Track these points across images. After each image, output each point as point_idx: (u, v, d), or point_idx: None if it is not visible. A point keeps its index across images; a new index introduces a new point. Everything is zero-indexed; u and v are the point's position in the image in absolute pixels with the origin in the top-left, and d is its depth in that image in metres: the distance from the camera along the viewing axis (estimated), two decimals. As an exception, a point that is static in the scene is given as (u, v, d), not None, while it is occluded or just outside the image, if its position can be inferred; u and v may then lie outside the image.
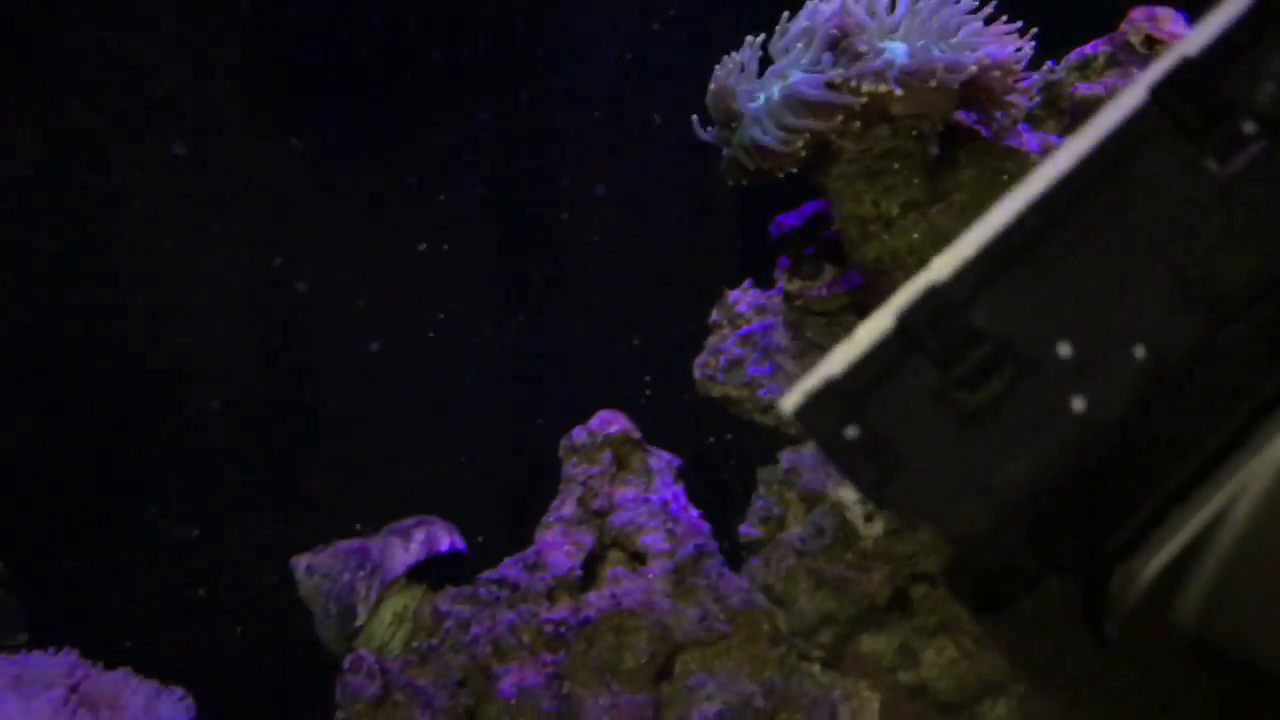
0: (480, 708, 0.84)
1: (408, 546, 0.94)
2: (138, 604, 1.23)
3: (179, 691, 1.14)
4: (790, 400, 0.42)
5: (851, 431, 0.41)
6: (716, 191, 1.17)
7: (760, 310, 0.92)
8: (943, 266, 0.42)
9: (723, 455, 1.03)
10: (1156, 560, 0.46)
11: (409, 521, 0.97)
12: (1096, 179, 0.42)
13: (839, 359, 0.41)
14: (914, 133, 0.77)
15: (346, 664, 0.85)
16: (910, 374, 0.41)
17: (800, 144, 0.76)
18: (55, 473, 1.28)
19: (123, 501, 1.26)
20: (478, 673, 0.84)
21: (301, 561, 0.96)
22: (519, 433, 1.27)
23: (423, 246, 1.25)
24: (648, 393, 1.21)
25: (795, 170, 0.79)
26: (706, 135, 0.83)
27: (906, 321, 0.41)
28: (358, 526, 1.21)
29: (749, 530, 0.88)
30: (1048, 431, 0.41)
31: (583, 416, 1.05)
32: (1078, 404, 0.42)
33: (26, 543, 1.28)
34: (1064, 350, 0.42)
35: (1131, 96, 0.43)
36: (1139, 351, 0.42)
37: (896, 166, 0.77)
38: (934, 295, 0.42)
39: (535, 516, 1.02)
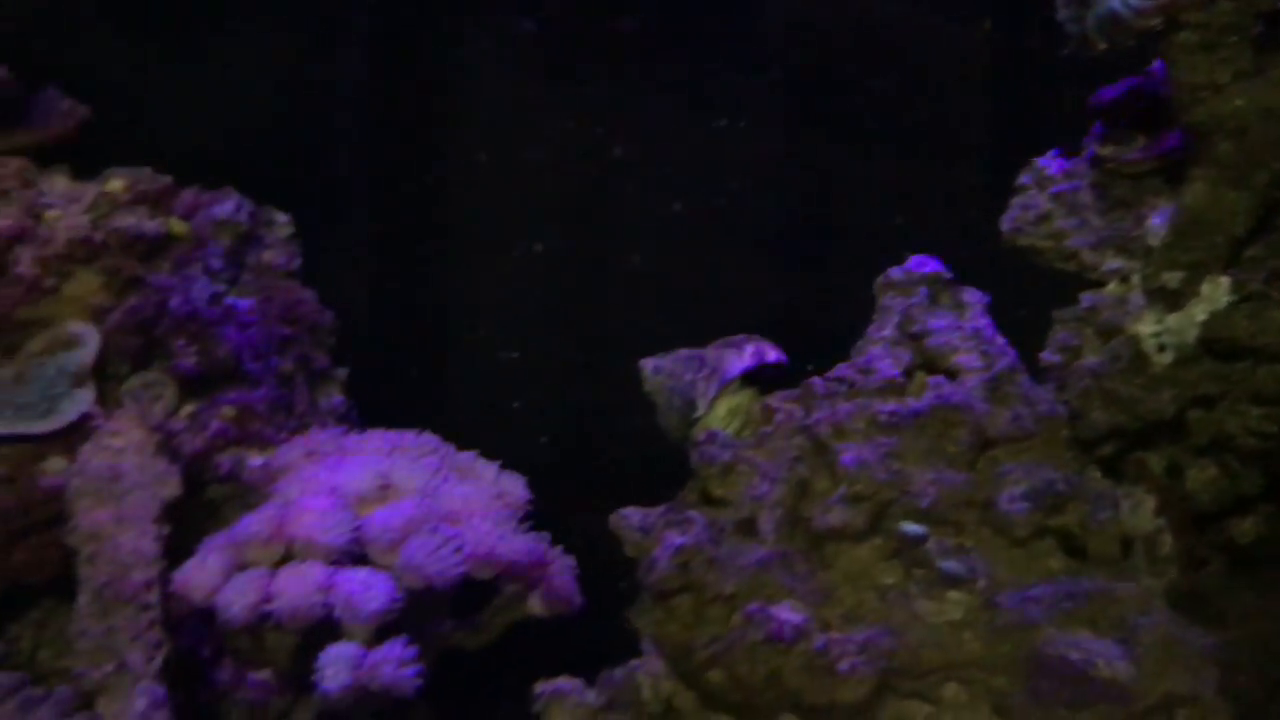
0: (811, 481, 1.02)
1: (740, 355, 1.12)
2: (466, 409, 1.46)
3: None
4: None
5: None
6: (998, 72, 1.32)
7: (1068, 174, 1.06)
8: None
9: (1019, 301, 1.17)
10: None
11: (739, 337, 1.15)
12: None
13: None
14: (1251, 11, 0.89)
15: (703, 437, 1.04)
16: None
17: (1157, 19, 0.89)
18: (408, 299, 1.52)
19: (461, 325, 1.49)
20: (813, 451, 1.02)
21: (649, 363, 1.16)
22: (792, 290, 1.45)
23: (723, 122, 1.43)
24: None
25: (1133, 43, 0.92)
26: (1064, 13, 0.96)
27: None
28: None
29: (1049, 356, 1.03)
30: None
31: (855, 280, 1.21)
32: None
33: (382, 357, 1.53)
34: None
35: None
36: None
37: (1233, 39, 0.90)
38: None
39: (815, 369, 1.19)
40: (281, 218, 1.53)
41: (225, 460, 1.39)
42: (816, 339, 1.25)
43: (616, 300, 1.47)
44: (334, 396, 1.53)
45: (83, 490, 1.27)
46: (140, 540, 1.25)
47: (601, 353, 1.48)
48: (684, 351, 1.15)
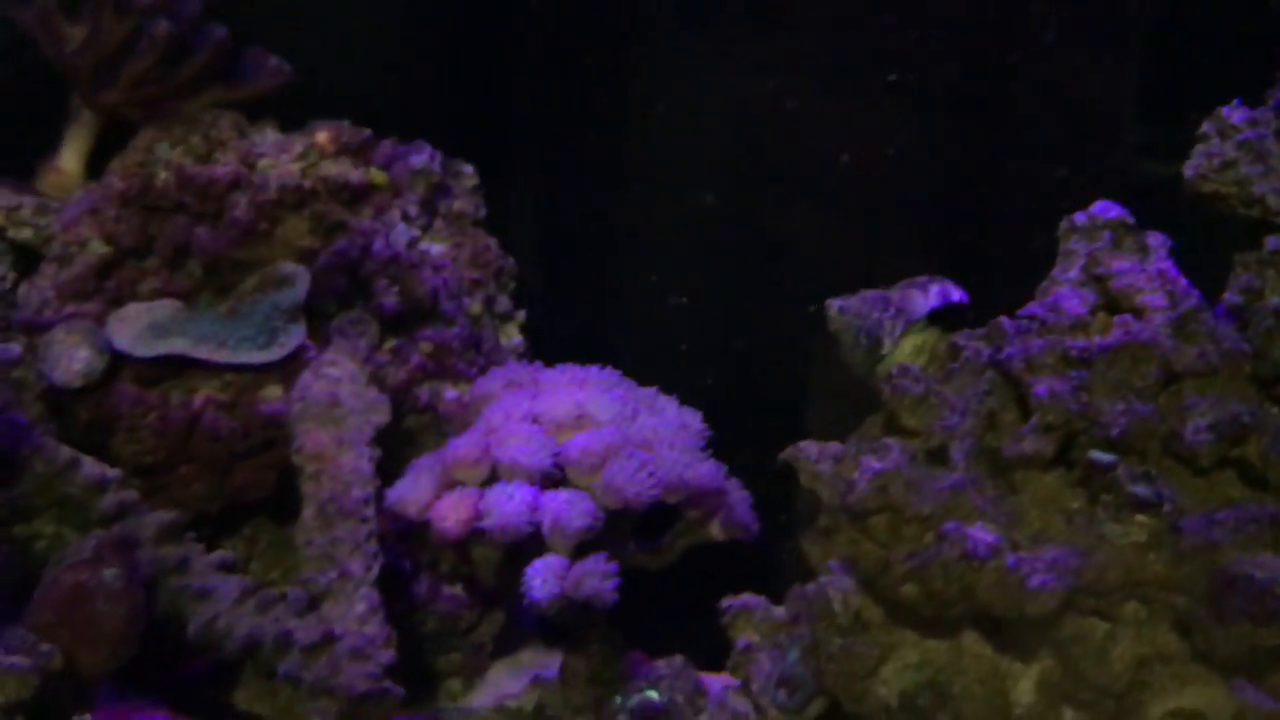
0: (1001, 413, 1.09)
1: (926, 294, 1.19)
2: (635, 352, 1.55)
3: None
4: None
5: None
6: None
7: (1253, 123, 1.10)
8: None
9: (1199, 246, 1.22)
10: None
11: (923, 278, 1.22)
12: None
13: None
14: None
15: (896, 371, 1.11)
16: None
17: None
18: (581, 246, 1.62)
19: (632, 271, 1.58)
20: (1003, 385, 1.08)
21: (835, 303, 1.23)
22: (958, 241, 1.51)
23: (892, 77, 1.49)
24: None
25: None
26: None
27: None
28: (810, 309, 1.49)
29: (1232, 298, 1.08)
30: None
31: (1020, 231, 1.27)
32: None
33: (555, 301, 1.63)
34: None
35: None
36: None
37: None
38: None
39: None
40: (468, 169, 1.63)
41: (423, 392, 1.50)
42: (982, 288, 1.32)
43: (783, 249, 1.55)
44: (514, 337, 1.63)
45: (305, 414, 1.39)
46: (358, 461, 1.37)
47: (767, 300, 1.55)
48: (870, 292, 1.22)
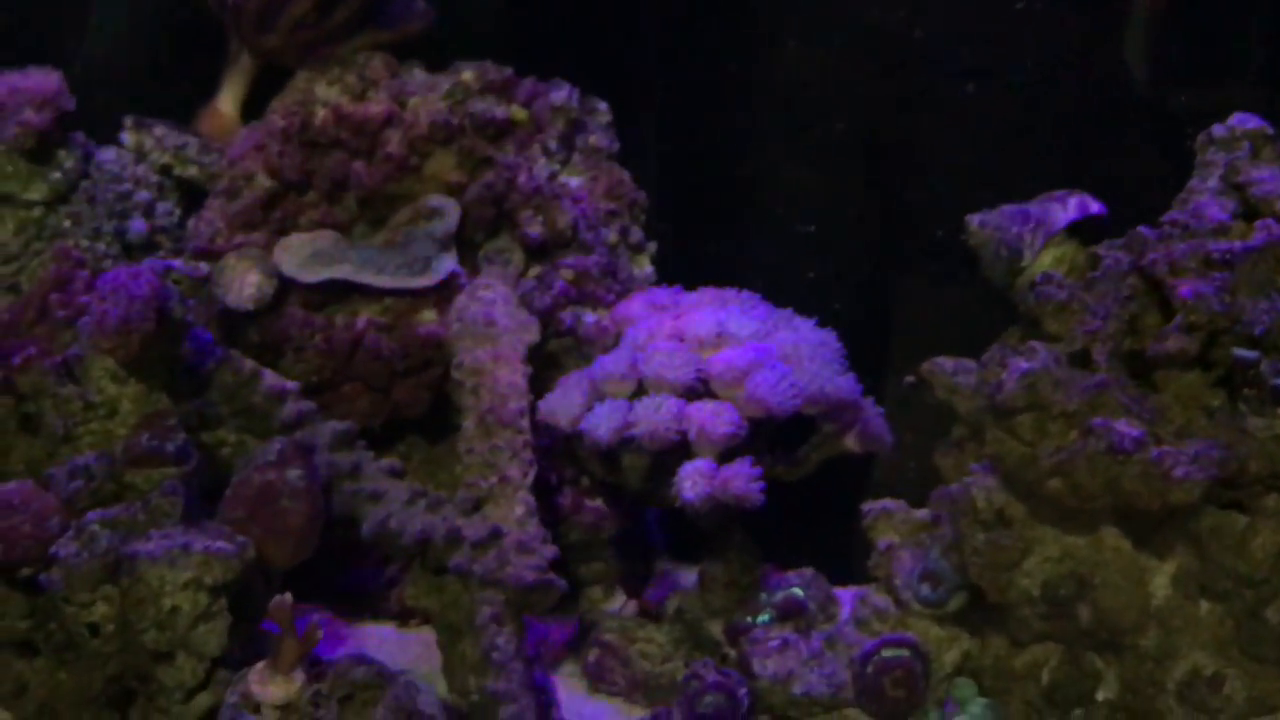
0: (1142, 316, 1.14)
1: (1065, 207, 1.24)
2: (762, 280, 1.61)
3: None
4: None
5: None
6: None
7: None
8: None
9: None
10: None
11: (1061, 192, 1.27)
12: None
13: None
14: None
15: (1040, 278, 1.16)
16: None
17: None
18: (710, 177, 1.68)
19: (758, 200, 1.65)
20: (1145, 289, 1.13)
21: (975, 218, 1.28)
22: (1086, 166, 1.55)
23: (1020, 4, 1.52)
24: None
25: None
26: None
27: None
28: (938, 233, 1.53)
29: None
30: None
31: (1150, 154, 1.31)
32: None
33: (683, 232, 1.70)
34: None
35: None
36: None
37: None
38: None
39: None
40: (602, 105, 1.70)
41: (566, 316, 1.58)
42: (1115, 205, 1.36)
43: (908, 177, 1.60)
44: (645, 267, 1.70)
45: (463, 333, 1.48)
46: (513, 376, 1.45)
47: (893, 227, 1.61)
48: (1008, 207, 1.27)
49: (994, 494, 1.19)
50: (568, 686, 1.44)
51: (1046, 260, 1.24)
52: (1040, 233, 1.24)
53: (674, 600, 1.52)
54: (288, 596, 1.15)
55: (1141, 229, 1.18)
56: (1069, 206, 1.24)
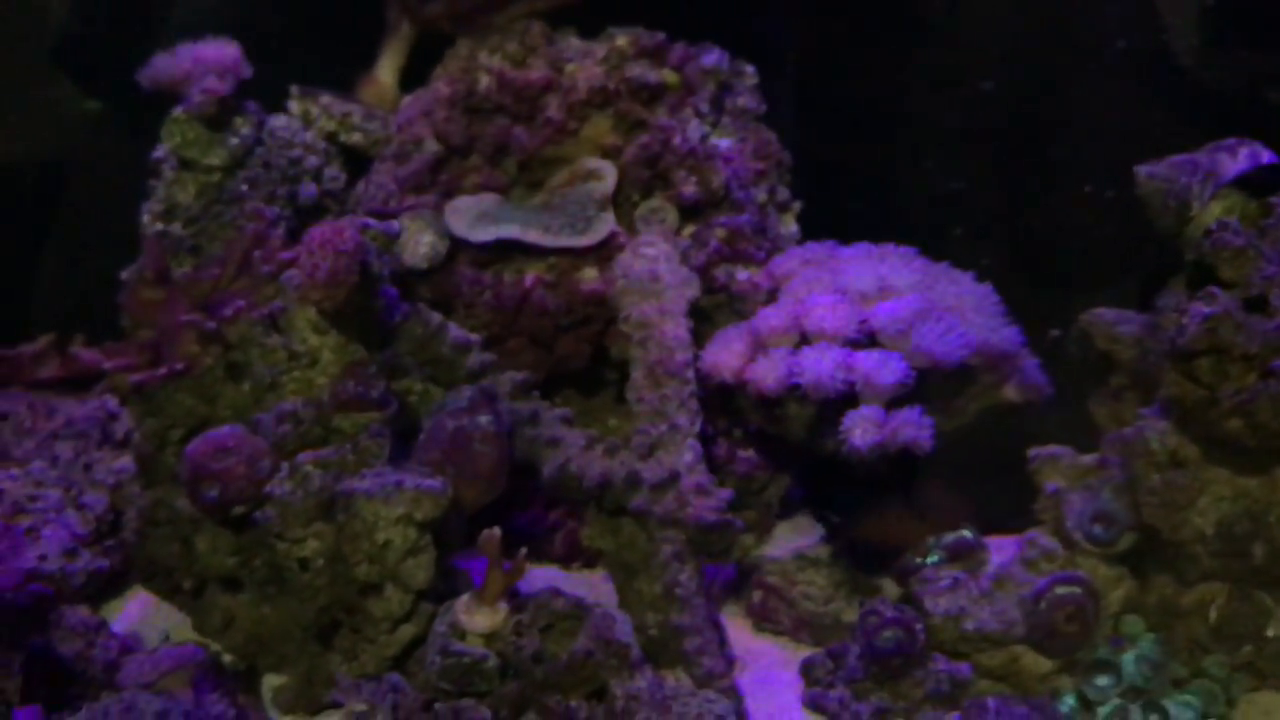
0: (1319, 261, 1.17)
1: (1235, 157, 1.27)
2: (910, 237, 1.65)
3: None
4: None
5: None
6: None
7: None
8: None
9: None
10: None
11: (1230, 140, 1.30)
12: None
13: None
14: None
15: (1215, 226, 1.20)
16: None
17: None
18: (859, 135, 1.73)
19: (909, 156, 1.69)
20: (1323, 234, 1.16)
21: (1143, 169, 1.32)
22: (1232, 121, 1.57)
23: (1169, -35, 1.55)
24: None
25: None
26: None
27: None
28: (1086, 189, 1.56)
29: None
30: None
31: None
32: None
33: (831, 189, 1.75)
34: None
35: None
36: None
37: None
38: None
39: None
40: (749, 68, 1.75)
41: (719, 274, 1.63)
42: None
43: (1058, 134, 1.63)
44: (791, 226, 1.75)
45: (629, 289, 1.54)
46: (677, 329, 1.51)
47: (1042, 183, 1.64)
48: (1178, 157, 1.30)
49: (1168, 436, 1.22)
50: (732, 625, 1.50)
51: (1216, 211, 1.27)
52: (1210, 183, 1.27)
53: (828, 546, 1.58)
54: (496, 531, 1.22)
55: (1317, 177, 1.21)
56: (1240, 156, 1.27)
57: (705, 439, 1.64)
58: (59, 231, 1.84)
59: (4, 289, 1.82)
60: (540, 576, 1.65)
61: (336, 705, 1.25)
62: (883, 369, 1.39)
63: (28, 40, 1.79)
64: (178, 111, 1.67)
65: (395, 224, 1.41)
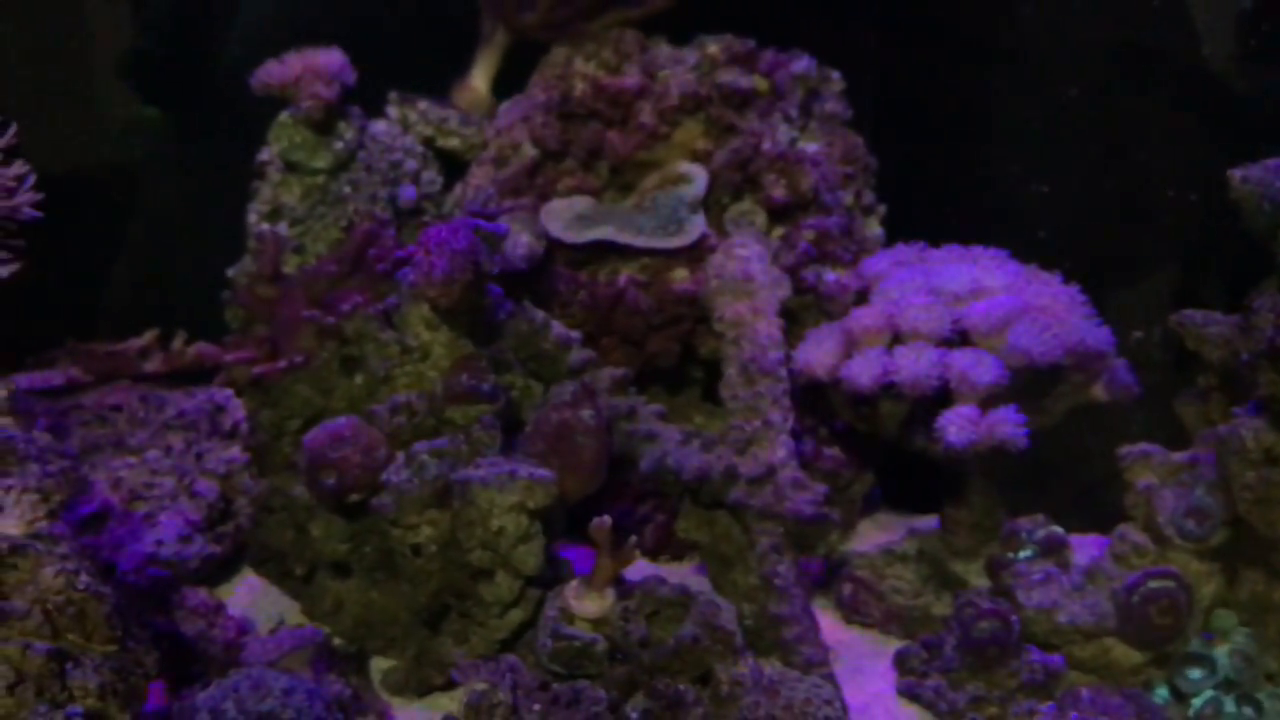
0: None
1: (1329, 165, 1.29)
2: (993, 239, 1.69)
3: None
4: None
5: None
6: None
7: None
8: None
9: None
10: None
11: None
12: None
13: None
14: None
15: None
16: None
17: None
18: (944, 139, 1.77)
19: (993, 159, 1.72)
20: None
21: (1238, 172, 1.34)
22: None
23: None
24: None
25: None
26: None
27: None
28: (1169, 194, 1.58)
29: None
30: None
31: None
32: None
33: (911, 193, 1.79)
34: None
35: None
36: None
37: None
38: None
39: None
40: (835, 74, 1.79)
41: (808, 274, 1.67)
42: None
43: (1142, 138, 1.66)
44: (876, 228, 1.79)
45: (722, 289, 1.58)
46: (770, 328, 1.55)
47: (1126, 186, 1.67)
48: (1273, 160, 1.33)
49: (1263, 434, 1.25)
50: (823, 618, 1.53)
51: (1305, 211, 1.30)
52: (1301, 186, 1.30)
53: (913, 542, 1.61)
54: (607, 519, 1.27)
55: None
56: (1335, 161, 1.30)
57: (793, 436, 1.69)
58: (121, 234, 1.90)
59: (70, 289, 1.88)
60: (630, 568, 1.70)
61: (452, 685, 1.30)
62: (979, 367, 1.42)
63: (80, 54, 1.84)
64: (285, 116, 1.74)
65: (504, 224, 1.45)
